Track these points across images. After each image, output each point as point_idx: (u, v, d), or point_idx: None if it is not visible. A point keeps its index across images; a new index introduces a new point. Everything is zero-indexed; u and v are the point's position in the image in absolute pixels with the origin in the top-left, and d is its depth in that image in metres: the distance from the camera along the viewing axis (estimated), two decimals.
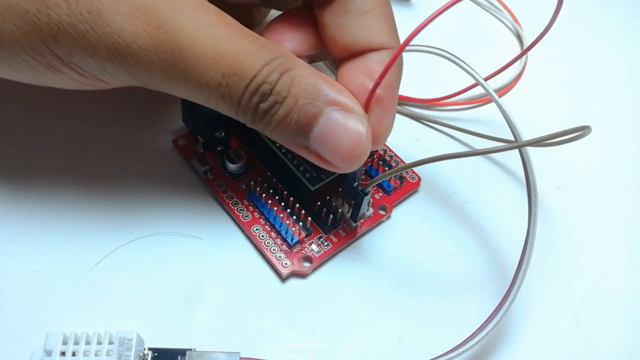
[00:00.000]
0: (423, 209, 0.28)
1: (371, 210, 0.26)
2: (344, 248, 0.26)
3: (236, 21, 0.21)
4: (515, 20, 0.38)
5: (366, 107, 0.21)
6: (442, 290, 0.25)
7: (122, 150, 0.28)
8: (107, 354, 0.19)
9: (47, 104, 0.29)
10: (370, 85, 0.21)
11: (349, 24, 0.22)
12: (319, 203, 0.25)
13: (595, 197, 0.29)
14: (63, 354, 0.19)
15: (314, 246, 0.25)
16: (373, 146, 0.22)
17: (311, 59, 0.25)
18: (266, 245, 0.24)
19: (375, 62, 0.22)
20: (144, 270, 0.24)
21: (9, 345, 0.21)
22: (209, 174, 0.27)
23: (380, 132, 0.22)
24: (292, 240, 0.24)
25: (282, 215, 0.25)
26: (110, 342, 0.20)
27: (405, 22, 0.37)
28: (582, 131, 0.18)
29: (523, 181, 0.22)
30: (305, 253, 0.24)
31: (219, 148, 0.27)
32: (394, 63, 0.21)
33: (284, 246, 0.25)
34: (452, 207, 0.28)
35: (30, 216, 0.25)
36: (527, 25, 0.38)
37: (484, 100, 0.32)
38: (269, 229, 0.25)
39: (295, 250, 0.25)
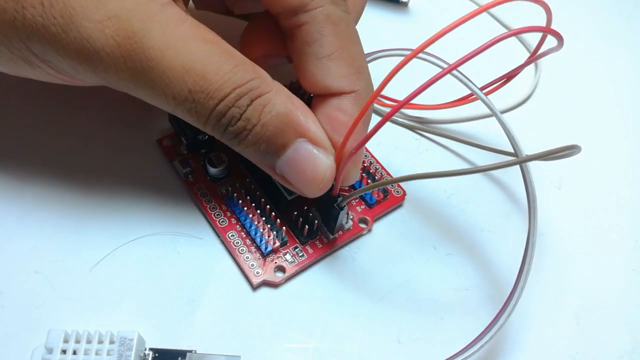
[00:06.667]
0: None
1: (350, 222, 0.26)
2: (322, 259, 0.25)
3: (216, 36, 0.21)
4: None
5: (338, 160, 0.22)
6: (442, 290, 0.25)
7: (122, 149, 0.28)
8: (108, 354, 0.19)
9: (43, 106, 0.29)
10: (330, 129, 0.22)
11: (308, 67, 0.22)
12: (295, 213, 0.25)
13: (595, 197, 0.29)
14: (64, 352, 0.19)
15: (288, 256, 0.24)
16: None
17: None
18: (240, 253, 0.24)
19: (334, 109, 0.22)
20: (144, 270, 0.24)
21: (10, 345, 0.21)
22: (190, 176, 0.26)
23: (344, 179, 0.23)
24: (265, 249, 0.24)
25: (258, 222, 0.25)
26: (112, 342, 0.20)
27: (402, 27, 0.37)
28: (572, 150, 0.19)
29: (522, 184, 0.22)
30: (279, 263, 0.24)
31: (202, 150, 0.27)
32: (364, 99, 0.22)
33: (258, 254, 0.24)
34: (451, 207, 0.28)
35: (29, 216, 0.25)
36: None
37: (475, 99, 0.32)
38: (244, 235, 0.25)
39: (269, 259, 0.24)
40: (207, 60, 0.20)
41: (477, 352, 0.21)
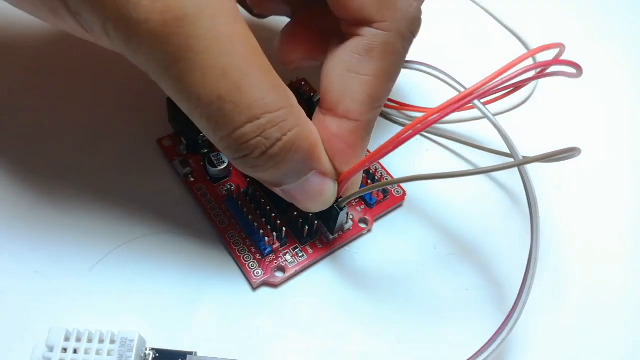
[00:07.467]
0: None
1: (350, 223, 0.26)
2: (321, 259, 0.25)
3: (258, 46, 0.19)
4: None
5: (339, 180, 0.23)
6: (442, 290, 0.25)
7: (122, 149, 0.28)
8: (108, 354, 0.19)
9: (44, 104, 0.29)
10: (329, 154, 0.22)
11: (335, 71, 0.21)
12: (295, 213, 0.25)
13: (595, 197, 0.29)
14: (65, 350, 0.19)
15: (288, 256, 0.24)
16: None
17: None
18: (239, 253, 0.24)
19: (333, 134, 0.21)
20: (143, 270, 0.24)
21: (10, 345, 0.21)
22: (190, 176, 0.26)
23: (345, 192, 0.23)
24: (265, 249, 0.24)
25: (257, 223, 0.24)
26: (112, 342, 0.20)
27: None
28: (572, 152, 0.19)
29: (522, 185, 0.22)
30: (278, 263, 0.24)
31: (204, 151, 0.27)
32: (364, 132, 0.22)
33: (258, 255, 0.24)
34: (451, 207, 0.28)
35: (30, 216, 0.25)
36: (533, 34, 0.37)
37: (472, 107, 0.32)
38: (244, 236, 0.25)
39: (268, 260, 0.24)
40: (248, 69, 0.18)
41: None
